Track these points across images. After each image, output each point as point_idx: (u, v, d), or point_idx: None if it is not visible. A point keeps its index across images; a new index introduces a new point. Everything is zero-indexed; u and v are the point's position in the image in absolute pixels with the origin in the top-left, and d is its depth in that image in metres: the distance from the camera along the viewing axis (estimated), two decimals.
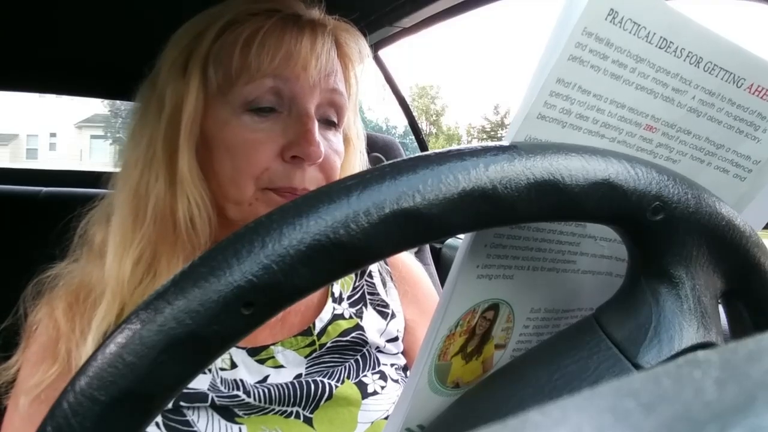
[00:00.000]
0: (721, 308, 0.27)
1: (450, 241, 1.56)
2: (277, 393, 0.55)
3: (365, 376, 0.60)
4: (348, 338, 0.61)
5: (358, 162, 0.67)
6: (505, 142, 0.24)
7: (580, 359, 0.26)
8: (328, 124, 0.59)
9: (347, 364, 0.60)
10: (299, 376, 0.58)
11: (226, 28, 0.56)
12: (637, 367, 0.24)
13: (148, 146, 0.56)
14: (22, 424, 0.53)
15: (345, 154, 0.63)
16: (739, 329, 0.28)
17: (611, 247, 0.32)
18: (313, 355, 0.60)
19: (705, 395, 0.09)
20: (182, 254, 0.55)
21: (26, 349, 0.57)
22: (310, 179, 0.55)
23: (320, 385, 0.57)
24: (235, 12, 0.56)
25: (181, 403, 0.53)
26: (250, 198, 0.54)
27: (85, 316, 0.54)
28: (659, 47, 0.26)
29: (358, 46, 0.62)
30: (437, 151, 0.22)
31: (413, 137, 1.79)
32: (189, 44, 0.56)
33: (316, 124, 0.55)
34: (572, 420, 0.09)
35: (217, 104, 0.55)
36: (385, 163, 0.22)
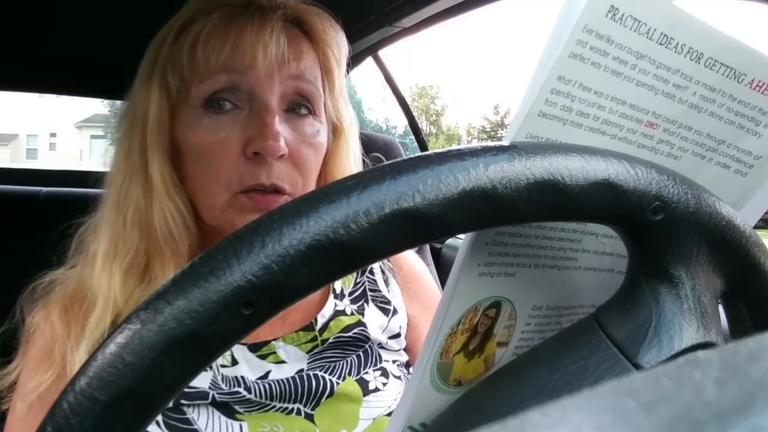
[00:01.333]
0: (721, 308, 0.27)
1: (450, 241, 1.56)
2: (278, 389, 0.55)
3: (366, 372, 0.60)
4: (350, 334, 0.61)
5: (352, 150, 0.64)
6: (504, 142, 0.24)
7: (580, 359, 0.25)
8: (300, 113, 0.56)
9: (349, 360, 0.60)
10: (301, 371, 0.58)
11: (181, 31, 0.55)
12: (637, 367, 0.24)
13: (127, 154, 0.56)
14: (24, 426, 0.53)
15: (335, 142, 0.61)
16: (739, 329, 0.28)
17: (613, 244, 0.32)
18: (315, 350, 0.60)
19: (705, 395, 0.09)
20: (171, 260, 0.55)
21: (25, 353, 0.57)
22: (280, 174, 0.53)
23: (321, 380, 0.57)
24: (190, 12, 0.55)
25: (182, 401, 0.53)
26: (222, 204, 0.54)
27: (79, 321, 0.54)
28: (660, 44, 0.26)
29: (330, 27, 0.59)
30: (437, 151, 0.22)
31: (413, 137, 1.80)
32: (155, 52, 0.56)
33: (276, 117, 0.53)
34: (572, 420, 0.09)
35: (181, 109, 0.55)
36: (385, 163, 0.22)
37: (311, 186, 0.57)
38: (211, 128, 0.53)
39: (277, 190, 0.53)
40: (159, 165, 0.54)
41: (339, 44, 0.60)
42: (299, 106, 0.56)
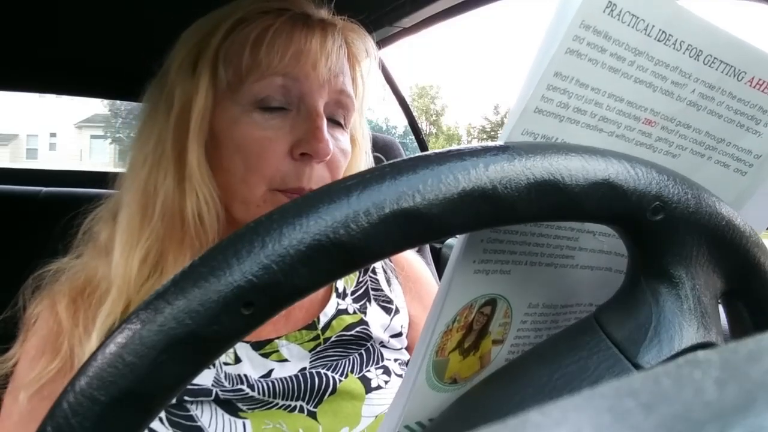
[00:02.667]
0: (721, 308, 0.27)
1: (450, 240, 1.56)
2: (281, 387, 0.55)
3: (369, 370, 0.60)
4: (352, 333, 0.61)
5: (364, 162, 0.67)
6: (504, 142, 0.24)
7: (580, 359, 0.25)
8: (336, 123, 0.59)
9: (351, 358, 0.60)
10: (303, 369, 0.58)
11: (236, 26, 0.56)
12: (637, 367, 0.24)
13: (157, 144, 0.56)
14: (21, 417, 0.53)
15: (351, 154, 0.63)
16: (739, 329, 0.28)
17: (610, 243, 0.32)
18: (318, 349, 0.60)
19: (705, 395, 0.09)
20: (189, 252, 0.55)
21: (25, 342, 0.57)
22: (318, 178, 0.56)
23: (324, 378, 0.57)
24: (245, 10, 0.56)
25: (185, 398, 0.53)
26: (258, 199, 0.55)
27: (90, 312, 0.54)
28: (658, 40, 0.26)
29: (365, 46, 0.62)
30: (437, 151, 0.22)
31: (413, 137, 1.79)
32: (198, 43, 0.57)
33: (325, 121, 0.56)
34: (572, 420, 0.09)
35: (227, 102, 0.56)
36: (385, 163, 0.22)
37: None
38: (260, 125, 0.55)
39: None
40: (197, 155, 0.55)
41: (369, 64, 0.63)
42: (337, 115, 0.59)
